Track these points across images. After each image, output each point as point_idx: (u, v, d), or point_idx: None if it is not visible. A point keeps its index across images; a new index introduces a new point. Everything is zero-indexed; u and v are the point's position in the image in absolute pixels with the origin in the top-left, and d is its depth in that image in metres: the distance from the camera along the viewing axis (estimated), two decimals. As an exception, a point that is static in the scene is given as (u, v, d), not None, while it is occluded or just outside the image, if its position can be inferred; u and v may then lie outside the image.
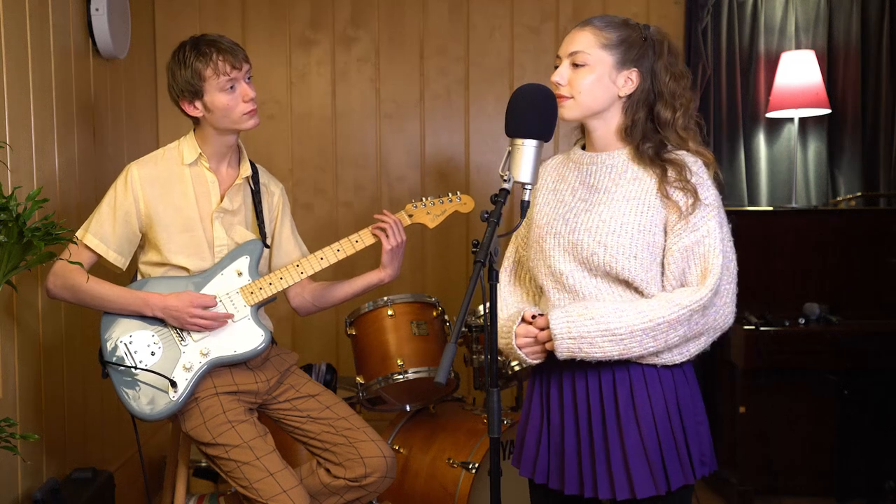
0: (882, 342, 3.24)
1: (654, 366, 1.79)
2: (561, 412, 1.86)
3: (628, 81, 1.83)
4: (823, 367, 3.33)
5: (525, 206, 1.70)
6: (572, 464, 1.83)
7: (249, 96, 2.31)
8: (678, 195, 1.77)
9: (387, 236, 2.42)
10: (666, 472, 1.77)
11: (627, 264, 1.77)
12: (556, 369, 1.86)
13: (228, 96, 2.29)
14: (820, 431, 3.51)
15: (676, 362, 1.80)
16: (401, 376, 2.75)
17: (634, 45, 1.83)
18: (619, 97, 1.84)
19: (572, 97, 1.82)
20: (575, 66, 1.83)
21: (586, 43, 1.82)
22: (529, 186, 1.68)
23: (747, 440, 3.36)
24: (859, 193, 3.74)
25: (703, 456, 1.83)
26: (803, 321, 3.32)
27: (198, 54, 2.27)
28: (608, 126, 1.87)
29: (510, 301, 1.97)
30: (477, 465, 2.67)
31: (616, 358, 1.75)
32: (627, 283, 1.79)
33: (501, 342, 1.86)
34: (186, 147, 2.38)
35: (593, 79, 1.82)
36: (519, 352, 1.84)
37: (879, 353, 3.24)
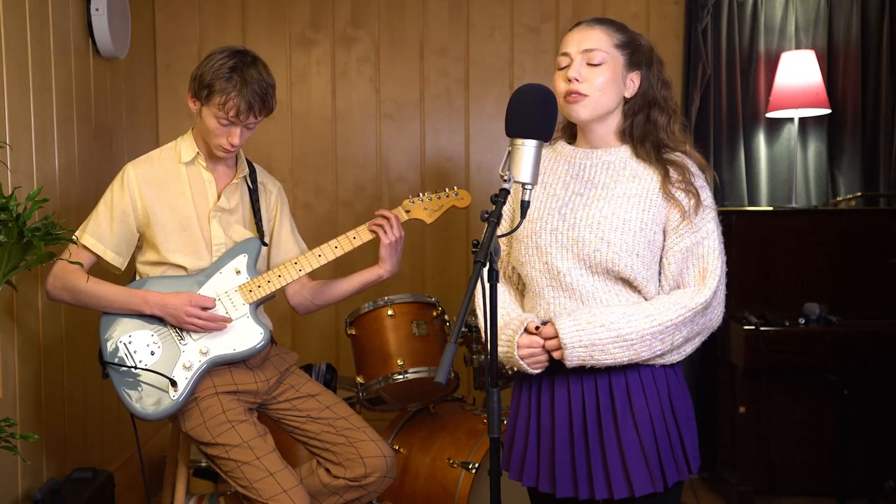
0: (882, 342, 3.24)
1: (651, 366, 1.79)
2: (552, 414, 1.85)
3: (632, 84, 1.85)
4: (823, 367, 3.33)
5: (525, 206, 1.69)
6: (565, 465, 1.82)
7: (233, 143, 2.27)
8: (681, 195, 1.78)
9: (384, 232, 2.43)
10: (662, 469, 1.77)
11: (630, 262, 1.76)
12: (547, 373, 1.85)
13: (218, 127, 2.26)
14: (820, 431, 3.51)
15: (674, 362, 1.81)
16: (401, 376, 2.75)
17: (638, 49, 1.86)
18: (625, 99, 1.85)
19: (588, 95, 1.80)
20: (590, 64, 1.81)
21: (601, 41, 1.81)
22: (529, 186, 1.68)
23: (747, 440, 3.36)
24: (859, 193, 3.74)
25: (694, 451, 1.85)
26: (803, 321, 3.31)
27: (226, 79, 2.21)
28: (608, 126, 1.88)
29: (503, 300, 1.93)
30: (477, 465, 2.67)
31: (626, 363, 1.75)
32: (625, 282, 1.79)
33: (500, 350, 1.83)
34: (184, 145, 2.38)
35: (608, 77, 1.81)
36: (521, 362, 1.81)
37: (879, 353, 3.24)
